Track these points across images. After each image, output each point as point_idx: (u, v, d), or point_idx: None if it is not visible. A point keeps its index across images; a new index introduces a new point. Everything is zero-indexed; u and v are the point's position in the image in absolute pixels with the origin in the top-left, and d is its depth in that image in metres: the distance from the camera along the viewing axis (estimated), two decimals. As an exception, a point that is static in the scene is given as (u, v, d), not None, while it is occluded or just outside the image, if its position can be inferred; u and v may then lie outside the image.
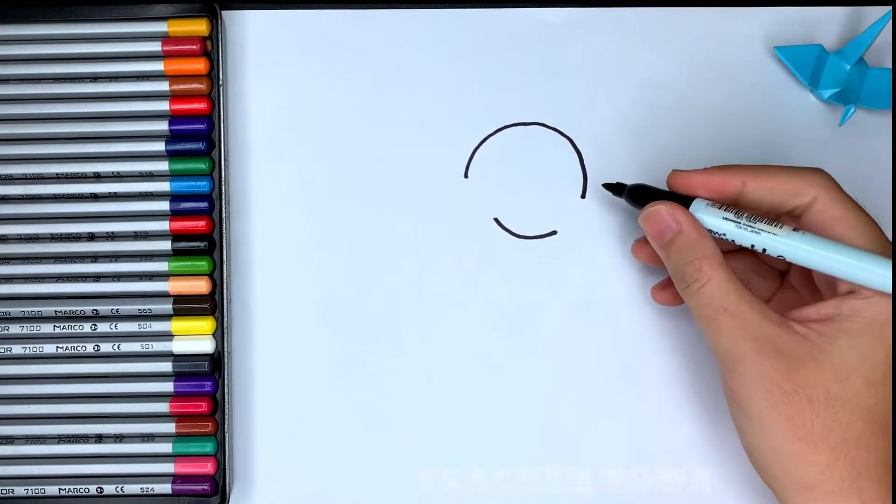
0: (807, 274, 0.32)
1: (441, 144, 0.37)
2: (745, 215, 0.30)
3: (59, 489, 0.35)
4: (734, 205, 0.31)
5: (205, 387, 0.35)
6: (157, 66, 0.36)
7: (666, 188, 0.33)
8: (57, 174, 0.36)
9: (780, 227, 0.30)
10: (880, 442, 0.28)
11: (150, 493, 0.35)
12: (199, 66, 0.36)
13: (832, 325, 0.29)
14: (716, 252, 0.30)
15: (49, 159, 0.36)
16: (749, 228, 0.30)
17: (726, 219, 0.30)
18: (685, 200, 0.31)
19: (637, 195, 0.33)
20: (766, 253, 0.30)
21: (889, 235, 0.37)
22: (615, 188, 0.35)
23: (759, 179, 0.31)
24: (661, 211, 0.31)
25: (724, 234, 0.30)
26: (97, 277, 0.36)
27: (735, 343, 0.29)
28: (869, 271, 0.28)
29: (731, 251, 0.33)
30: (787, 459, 0.29)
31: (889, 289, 0.28)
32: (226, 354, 0.36)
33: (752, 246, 0.30)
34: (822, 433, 0.28)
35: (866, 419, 0.28)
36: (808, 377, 0.28)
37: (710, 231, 0.31)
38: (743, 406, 0.30)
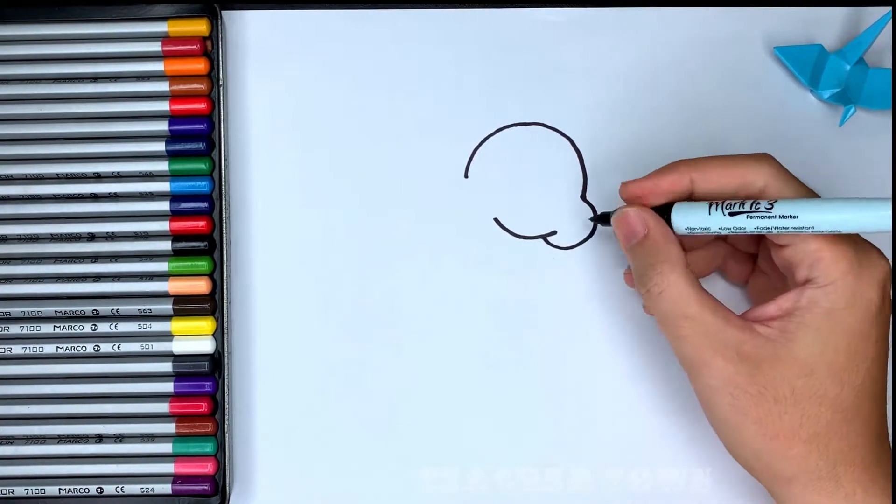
0: (771, 258, 0.32)
1: (441, 144, 0.37)
2: (722, 203, 0.30)
3: (59, 489, 0.35)
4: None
5: (205, 387, 0.35)
6: (157, 67, 0.36)
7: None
8: (57, 174, 0.36)
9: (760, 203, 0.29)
10: (850, 427, 0.29)
11: (150, 493, 0.35)
12: (199, 66, 0.36)
13: (793, 321, 0.29)
14: (679, 258, 0.30)
15: (49, 159, 0.36)
16: (734, 209, 0.29)
17: (709, 207, 0.30)
18: (663, 210, 0.31)
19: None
20: (759, 231, 0.29)
21: (890, 235, 0.37)
22: (602, 218, 0.35)
23: (706, 174, 0.31)
24: (630, 214, 0.31)
25: (708, 228, 0.30)
26: (97, 277, 0.36)
27: (698, 350, 0.29)
28: (862, 213, 0.27)
29: (705, 242, 0.34)
30: (763, 456, 0.30)
31: (881, 227, 0.26)
32: (226, 354, 0.36)
33: (744, 229, 0.29)
34: (792, 429, 0.29)
35: (834, 408, 0.29)
36: (774, 377, 0.29)
37: (694, 228, 0.30)
38: (713, 410, 0.30)
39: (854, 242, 0.29)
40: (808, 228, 0.28)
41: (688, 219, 0.30)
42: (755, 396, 0.29)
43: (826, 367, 0.29)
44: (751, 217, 0.29)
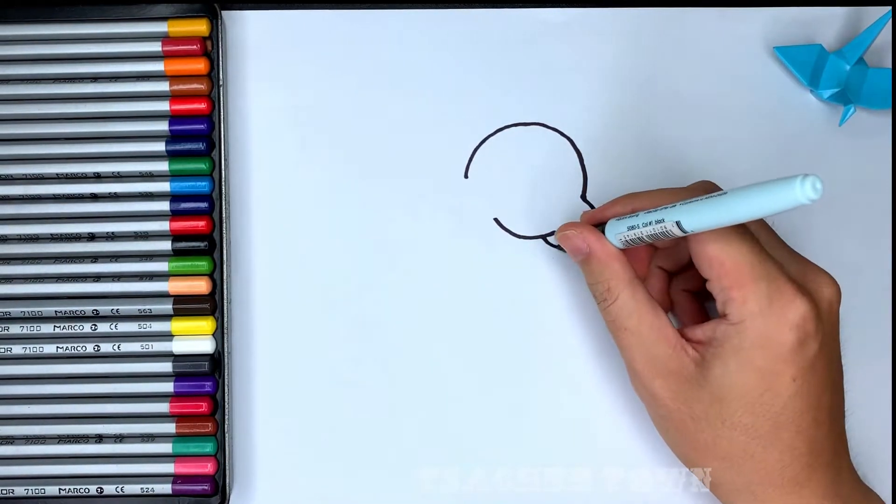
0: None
1: (441, 144, 0.37)
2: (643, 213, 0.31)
3: (59, 489, 0.35)
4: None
5: (205, 387, 0.35)
6: (158, 67, 0.36)
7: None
8: (57, 174, 0.36)
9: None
10: (767, 453, 0.30)
11: (150, 493, 0.35)
12: (199, 66, 0.36)
13: (709, 350, 0.30)
14: (624, 272, 0.32)
15: (49, 159, 0.36)
16: (649, 212, 0.30)
17: (631, 219, 0.31)
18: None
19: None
20: (665, 225, 0.29)
21: (890, 235, 0.37)
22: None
23: (644, 203, 0.32)
24: (569, 234, 0.33)
25: (635, 227, 0.31)
26: (97, 277, 0.36)
27: (633, 360, 0.31)
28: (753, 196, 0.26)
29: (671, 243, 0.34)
30: (689, 461, 0.32)
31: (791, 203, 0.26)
32: (226, 354, 0.36)
33: (654, 221, 0.30)
34: (707, 445, 0.30)
35: (748, 434, 0.30)
36: (690, 398, 0.30)
37: (627, 237, 0.31)
38: (648, 412, 0.33)
39: (769, 281, 0.29)
40: (682, 224, 0.28)
41: (616, 227, 0.32)
42: (675, 411, 0.31)
43: (736, 398, 0.29)
44: (647, 219, 0.30)
